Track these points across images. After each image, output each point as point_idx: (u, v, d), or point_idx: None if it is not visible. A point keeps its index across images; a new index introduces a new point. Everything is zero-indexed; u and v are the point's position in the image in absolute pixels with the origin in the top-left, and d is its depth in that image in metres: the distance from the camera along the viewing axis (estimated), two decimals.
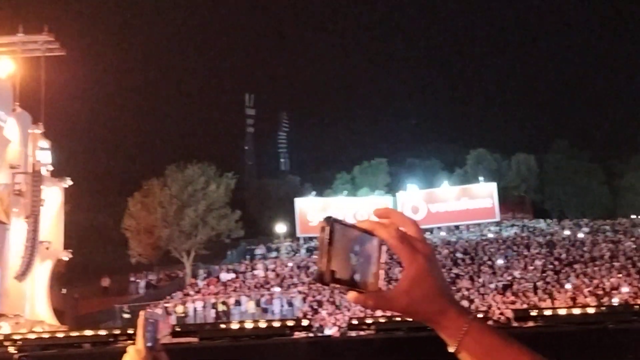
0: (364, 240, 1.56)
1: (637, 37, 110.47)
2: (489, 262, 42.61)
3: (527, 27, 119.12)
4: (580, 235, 48.63)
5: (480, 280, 38.55)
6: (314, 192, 64.87)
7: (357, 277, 1.52)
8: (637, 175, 64.04)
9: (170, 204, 50.20)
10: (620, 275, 35.36)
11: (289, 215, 60.79)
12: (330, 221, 1.49)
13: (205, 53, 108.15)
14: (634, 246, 42.29)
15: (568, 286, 34.90)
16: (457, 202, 61.22)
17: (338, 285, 1.51)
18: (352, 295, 1.54)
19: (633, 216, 56.94)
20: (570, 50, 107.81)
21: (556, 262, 40.43)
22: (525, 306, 29.94)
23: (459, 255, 45.76)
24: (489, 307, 31.53)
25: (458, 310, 1.56)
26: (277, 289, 42.07)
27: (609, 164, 68.41)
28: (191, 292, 43.69)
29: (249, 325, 13.34)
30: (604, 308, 14.06)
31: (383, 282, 1.56)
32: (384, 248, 1.56)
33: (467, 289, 36.32)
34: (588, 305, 18.46)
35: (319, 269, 1.49)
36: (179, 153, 59.94)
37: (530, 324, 11.23)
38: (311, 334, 13.82)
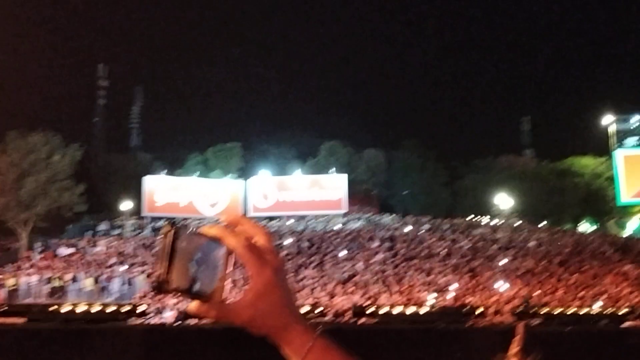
0: (210, 248, 1.47)
1: (486, 49, 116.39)
2: (333, 253, 43.52)
3: (379, 27, 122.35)
4: (421, 232, 50.59)
5: (324, 270, 39.25)
6: (164, 171, 63.38)
7: (196, 286, 1.43)
8: (476, 178, 67.66)
9: (9, 172, 47.41)
10: (454, 272, 37.23)
11: (136, 192, 59.05)
12: (174, 227, 1.42)
13: (57, 18, 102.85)
14: (470, 245, 44.64)
15: (405, 278, 36.34)
16: (307, 191, 61.98)
17: (179, 294, 1.44)
18: (193, 306, 1.45)
19: (470, 217, 60.05)
20: (426, 54, 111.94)
21: (396, 257, 41.96)
22: (365, 297, 30.82)
23: (304, 244, 46.42)
24: (331, 296, 32.15)
25: (303, 326, 1.50)
26: (118, 268, 40.82)
27: (452, 165, 71.65)
28: (25, 265, 41.51)
29: (81, 308, 12.73)
30: (435, 308, 14.71)
31: (228, 293, 1.48)
32: (232, 257, 1.48)
33: (311, 278, 36.91)
34: (422, 305, 19.35)
35: (157, 277, 1.40)
36: (23, 120, 56.55)
37: (367, 320, 11.46)
38: (146, 321, 13.37)
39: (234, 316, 1.48)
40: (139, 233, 53.30)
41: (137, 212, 58.83)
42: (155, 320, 24.99)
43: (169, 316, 26.36)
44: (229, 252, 1.47)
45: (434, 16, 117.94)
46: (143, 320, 12.16)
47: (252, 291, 1.49)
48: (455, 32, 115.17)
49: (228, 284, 1.48)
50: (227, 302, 1.49)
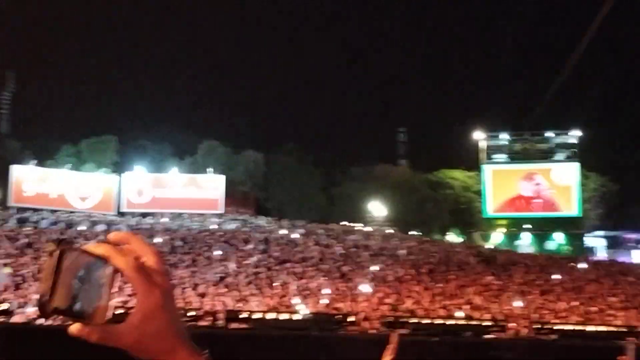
0: (95, 267, 1.40)
1: (365, 59, 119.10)
2: (207, 254, 43.05)
3: (260, 27, 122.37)
4: (295, 235, 51.02)
5: (196, 270, 38.73)
6: (34, 161, 60.72)
7: (77, 306, 1.37)
8: (352, 186, 69.16)
9: None
10: (326, 277, 37.68)
11: (3, 182, 56.40)
12: (61, 246, 1.35)
13: None
14: (342, 251, 45.38)
15: (277, 282, 36.44)
16: (183, 189, 61.21)
17: (62, 317, 1.37)
18: (73, 327, 1.38)
19: (345, 223, 61.18)
20: (307, 59, 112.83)
21: (270, 259, 42.02)
22: (237, 299, 30.69)
23: (178, 243, 45.71)
24: (202, 296, 31.75)
25: (189, 351, 1.45)
26: None
27: (330, 171, 72.78)
28: None
29: None
30: (308, 314, 14.82)
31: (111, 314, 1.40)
32: (118, 277, 1.41)
33: (182, 278, 36.31)
34: (294, 310, 19.52)
35: (40, 298, 1.34)
36: None
37: (240, 325, 11.37)
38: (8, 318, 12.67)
39: (118, 339, 1.42)
40: (3, 224, 50.58)
41: (2, 202, 56.15)
42: (18, 317, 23.83)
43: (32, 312, 25.14)
44: (115, 272, 1.41)
45: (313, 21, 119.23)
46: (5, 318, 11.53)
47: (138, 314, 1.43)
48: (336, 39, 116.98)
49: (112, 305, 1.42)
50: (112, 324, 1.43)
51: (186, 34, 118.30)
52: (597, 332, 11.69)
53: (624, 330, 11.99)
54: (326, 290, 34.73)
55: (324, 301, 31.52)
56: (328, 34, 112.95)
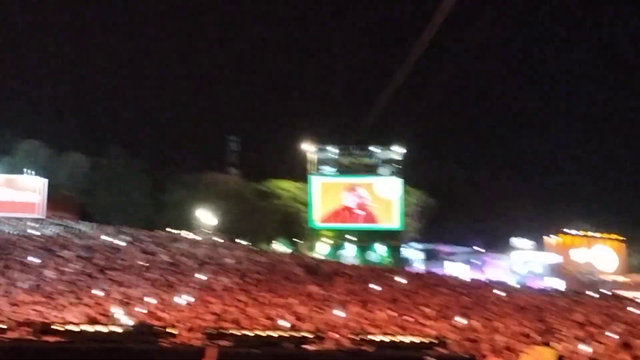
0: None
1: (204, 68, 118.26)
2: (22, 260, 40.87)
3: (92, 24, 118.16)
4: (120, 242, 49.73)
5: (10, 277, 36.64)
6: None
7: None
8: (181, 193, 68.65)
9: None
10: (150, 286, 36.93)
11: None
12: None
13: None
14: (169, 260, 44.75)
15: (98, 291, 35.23)
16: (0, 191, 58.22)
17: None
18: None
19: (172, 230, 60.58)
20: (139, 59, 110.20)
21: (91, 267, 40.58)
22: (53, 309, 29.31)
23: None
24: (15, 305, 30.01)
25: None
26: None
27: (158, 177, 71.82)
28: None
29: None
30: (128, 325, 14.50)
31: None
32: None
33: None
34: (113, 320, 18.97)
35: None
36: None
37: (55, 338, 10.94)
38: None
39: None
40: None
41: None
42: None
43: None
44: None
45: (143, 21, 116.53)
46: None
47: None
48: (168, 42, 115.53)
49: None
50: None
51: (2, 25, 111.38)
52: (411, 342, 12.44)
53: (435, 341, 12.81)
54: (150, 300, 33.97)
55: (147, 311, 30.84)
56: (159, 36, 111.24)
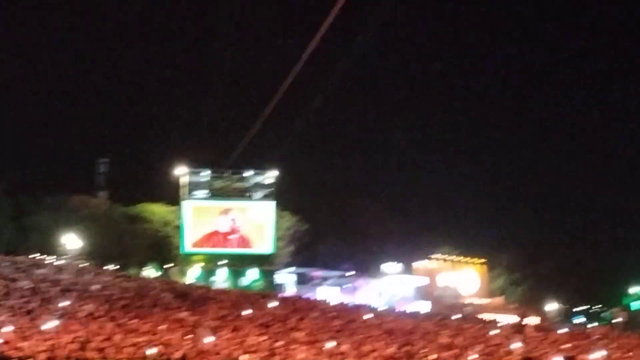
0: None
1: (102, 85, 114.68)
2: None
3: None
4: None
5: None
6: None
7: None
8: (45, 216, 66.26)
9: None
10: (9, 314, 35.29)
11: None
12: None
13: None
14: (31, 286, 42.91)
15: None
16: None
17: None
18: None
19: (35, 256, 58.16)
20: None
21: None
22: None
23: None
24: None
25: None
26: None
27: (21, 200, 69.16)
28: None
29: None
30: None
31: None
32: None
33: None
34: None
35: None
36: None
37: None
38: None
39: None
40: None
41: None
42: None
43: None
44: None
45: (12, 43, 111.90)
46: None
47: None
48: (42, 63, 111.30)
49: None
50: None
51: None
52: None
53: None
54: (8, 329, 32.40)
55: (4, 340, 29.36)
56: (21, 52, 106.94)
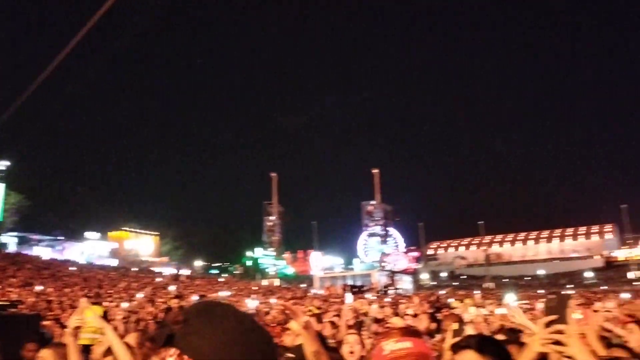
0: None
1: None
2: None
3: None
4: None
5: None
6: None
7: None
8: None
9: None
10: None
11: None
12: None
13: None
14: None
15: None
16: None
17: None
18: None
19: None
20: None
21: None
22: None
23: None
24: None
25: None
26: None
27: None
28: None
29: None
30: None
31: None
32: None
33: None
34: None
35: None
36: None
37: None
38: None
39: None
40: None
41: None
42: None
43: None
44: None
45: None
46: None
47: None
48: None
49: None
50: None
51: None
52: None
53: (9, 303, 15.75)
54: None
55: None
56: None
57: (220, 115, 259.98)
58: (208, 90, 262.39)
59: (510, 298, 28.67)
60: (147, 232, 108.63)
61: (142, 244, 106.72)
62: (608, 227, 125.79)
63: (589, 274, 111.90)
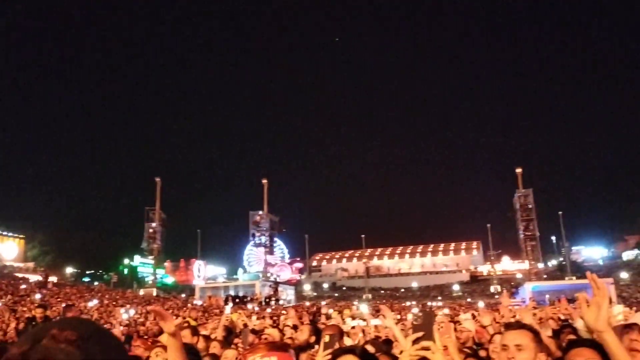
0: None
1: None
2: None
3: None
4: None
5: None
6: None
7: None
8: None
9: None
10: None
11: None
12: None
13: None
14: None
15: None
16: None
17: None
18: None
19: None
20: None
21: None
22: None
23: None
24: None
25: None
26: None
27: None
28: None
29: None
30: None
31: None
32: None
33: None
34: None
35: None
36: None
37: None
38: None
39: None
40: None
41: None
42: None
43: None
44: None
45: None
46: None
47: None
48: None
49: None
50: None
51: None
52: None
53: None
54: None
55: None
56: None
57: (103, 111, 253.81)
58: (94, 85, 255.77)
59: (364, 308, 32.82)
60: (11, 234, 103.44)
61: (5, 248, 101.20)
62: (474, 244, 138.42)
63: (456, 287, 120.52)
